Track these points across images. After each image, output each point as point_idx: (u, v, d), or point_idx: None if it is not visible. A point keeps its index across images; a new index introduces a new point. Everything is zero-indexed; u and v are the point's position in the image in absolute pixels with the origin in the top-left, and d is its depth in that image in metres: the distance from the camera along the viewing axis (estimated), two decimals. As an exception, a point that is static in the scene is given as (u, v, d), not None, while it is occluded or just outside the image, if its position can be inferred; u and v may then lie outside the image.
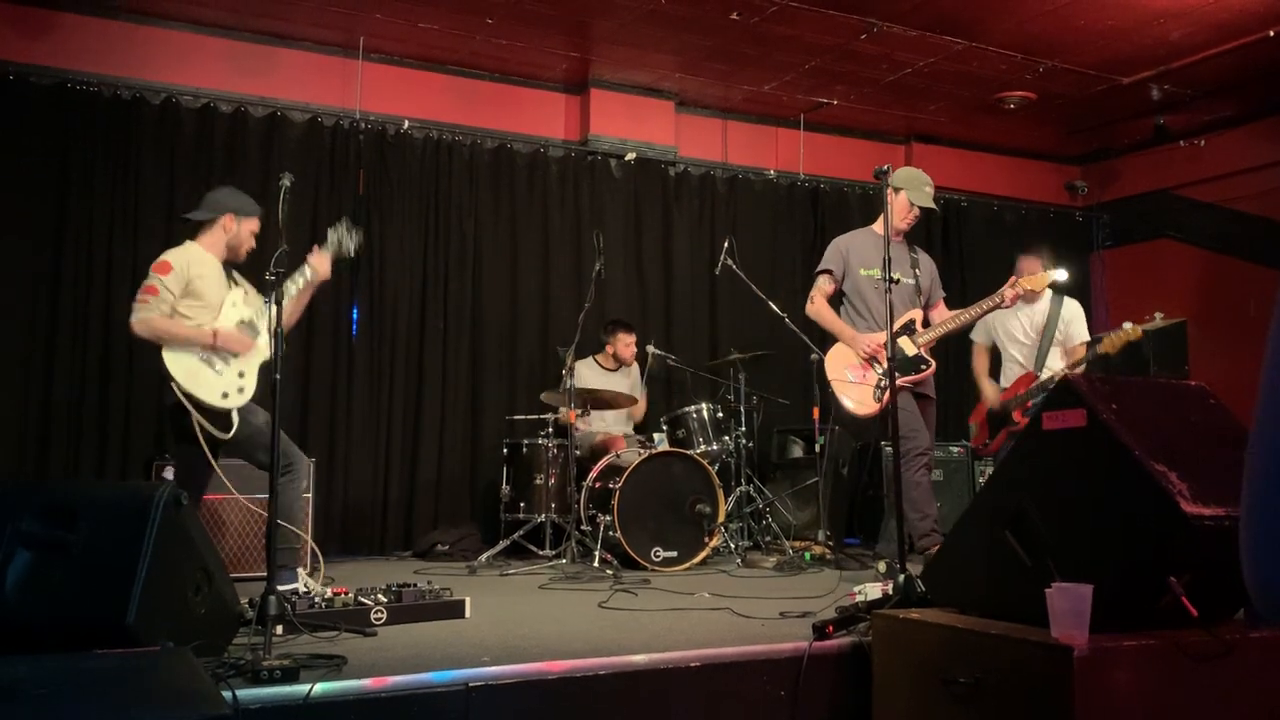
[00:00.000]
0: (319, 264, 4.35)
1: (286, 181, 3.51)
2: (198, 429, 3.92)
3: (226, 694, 2.24)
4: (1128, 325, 5.18)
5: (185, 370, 4.00)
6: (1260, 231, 7.66)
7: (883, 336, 4.55)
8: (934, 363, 4.76)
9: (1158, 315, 6.94)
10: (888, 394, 4.54)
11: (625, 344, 6.50)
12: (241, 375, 4.16)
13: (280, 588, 3.33)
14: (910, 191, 4.78)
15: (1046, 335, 5.54)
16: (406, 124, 6.68)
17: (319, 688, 2.40)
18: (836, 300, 4.99)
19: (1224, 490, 2.27)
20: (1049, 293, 5.60)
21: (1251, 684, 2.38)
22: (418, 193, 6.70)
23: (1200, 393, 2.72)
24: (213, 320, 4.14)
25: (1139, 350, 7.36)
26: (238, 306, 4.25)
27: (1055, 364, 5.47)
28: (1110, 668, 2.23)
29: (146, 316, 4.01)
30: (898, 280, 4.45)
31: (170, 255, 4.19)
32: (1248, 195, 7.70)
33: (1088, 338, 5.52)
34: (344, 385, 6.38)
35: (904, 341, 4.69)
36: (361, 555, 6.15)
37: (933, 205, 4.85)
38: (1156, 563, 2.32)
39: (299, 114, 6.43)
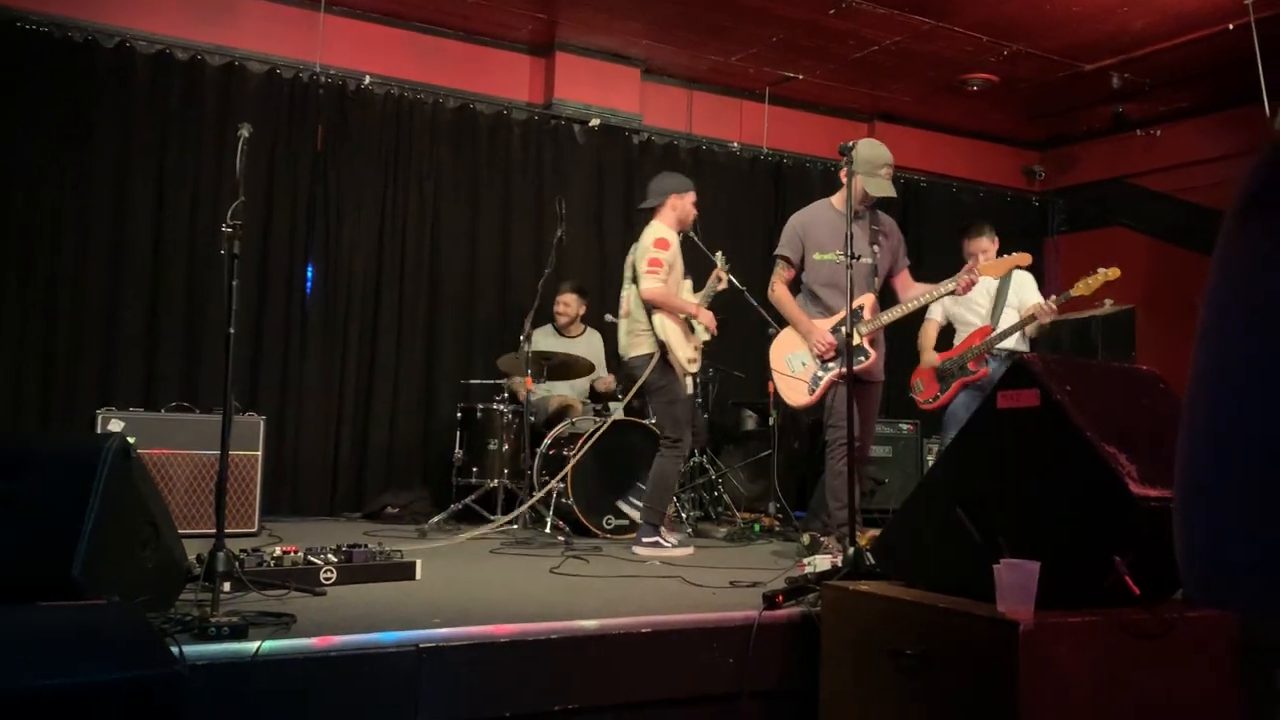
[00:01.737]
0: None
1: (245, 133, 3.43)
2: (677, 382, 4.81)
3: (174, 649, 2.21)
4: (1103, 270, 5.18)
5: (675, 335, 4.80)
6: (1210, 223, 7.78)
7: (831, 337, 4.52)
8: (874, 353, 4.62)
9: (1108, 302, 7.05)
10: (820, 388, 4.55)
11: (563, 304, 6.42)
12: (697, 348, 5.00)
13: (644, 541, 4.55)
14: (866, 180, 4.55)
15: (1000, 298, 5.58)
16: (367, 80, 6.57)
17: (267, 645, 2.38)
18: (796, 283, 4.92)
19: (1171, 473, 2.31)
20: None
21: (1187, 660, 2.45)
22: (377, 151, 6.60)
23: (1151, 378, 2.77)
24: (678, 288, 4.99)
25: (1089, 335, 7.50)
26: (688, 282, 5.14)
27: (1011, 320, 5.47)
28: (1054, 643, 2.28)
29: (656, 286, 4.77)
30: (862, 257, 4.45)
31: (665, 233, 4.94)
32: (1199, 186, 7.82)
33: (1040, 300, 5.52)
34: (297, 343, 6.30)
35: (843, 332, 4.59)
36: (311, 515, 6.09)
37: (891, 193, 4.63)
38: (1102, 542, 2.36)
39: (258, 65, 6.30)
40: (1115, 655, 2.35)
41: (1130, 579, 2.29)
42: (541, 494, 5.13)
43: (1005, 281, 5.57)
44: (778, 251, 4.85)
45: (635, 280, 4.95)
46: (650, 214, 5.10)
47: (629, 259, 5.18)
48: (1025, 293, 5.56)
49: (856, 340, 4.51)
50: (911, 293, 4.78)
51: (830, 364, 4.54)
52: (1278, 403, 0.79)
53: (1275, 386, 0.79)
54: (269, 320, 6.21)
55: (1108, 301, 7.23)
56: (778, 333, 4.91)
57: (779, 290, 4.81)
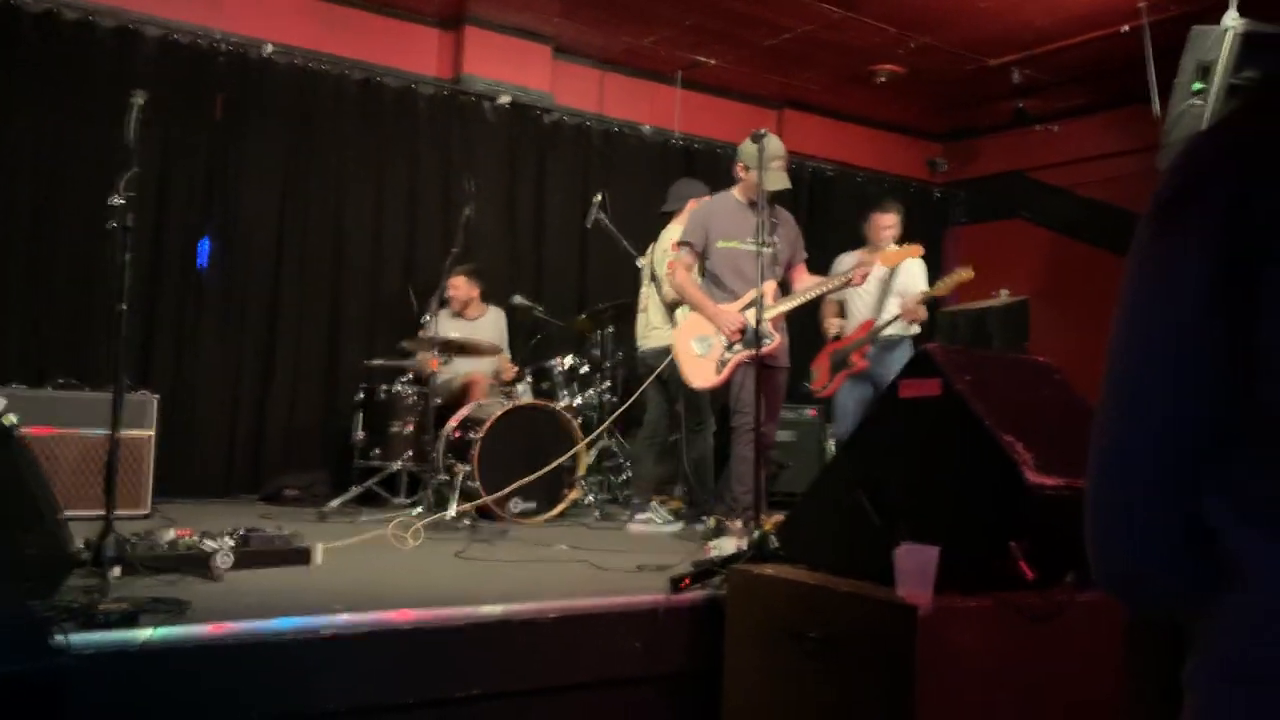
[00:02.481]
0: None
1: (139, 100, 3.30)
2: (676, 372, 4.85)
3: (58, 638, 2.12)
4: (960, 270, 5.39)
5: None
6: (1103, 217, 8.08)
7: (741, 317, 4.59)
8: (778, 337, 4.70)
9: (1003, 292, 7.26)
10: (727, 368, 4.61)
11: (453, 287, 6.28)
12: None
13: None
14: (755, 173, 4.56)
15: (886, 290, 5.73)
16: (270, 49, 6.36)
17: (159, 632, 2.30)
18: (699, 271, 4.98)
19: (1066, 461, 2.39)
20: (892, 246, 5.78)
21: (1077, 642, 2.54)
22: (279, 123, 6.40)
23: (1047, 369, 2.86)
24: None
25: (984, 325, 7.70)
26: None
27: (893, 311, 5.66)
28: (952, 626, 2.34)
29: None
30: (765, 245, 4.50)
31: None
32: (1094, 181, 8.10)
33: (925, 288, 5.71)
34: (191, 319, 6.09)
35: (750, 315, 4.61)
36: (205, 497, 5.91)
37: (786, 185, 4.68)
38: (999, 527, 2.43)
39: (153, 29, 6.04)
40: (1010, 637, 2.43)
41: (1025, 564, 2.36)
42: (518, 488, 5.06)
43: (894, 270, 5.73)
44: (682, 239, 4.93)
45: (654, 279, 5.27)
46: (669, 217, 5.54)
47: (645, 259, 5.43)
48: (910, 282, 5.73)
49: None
50: (807, 283, 4.90)
51: (737, 346, 4.60)
52: (1189, 399, 0.81)
53: (1187, 385, 0.81)
54: (163, 295, 5.99)
55: (1004, 292, 7.44)
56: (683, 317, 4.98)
57: (681, 276, 4.87)
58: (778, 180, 4.60)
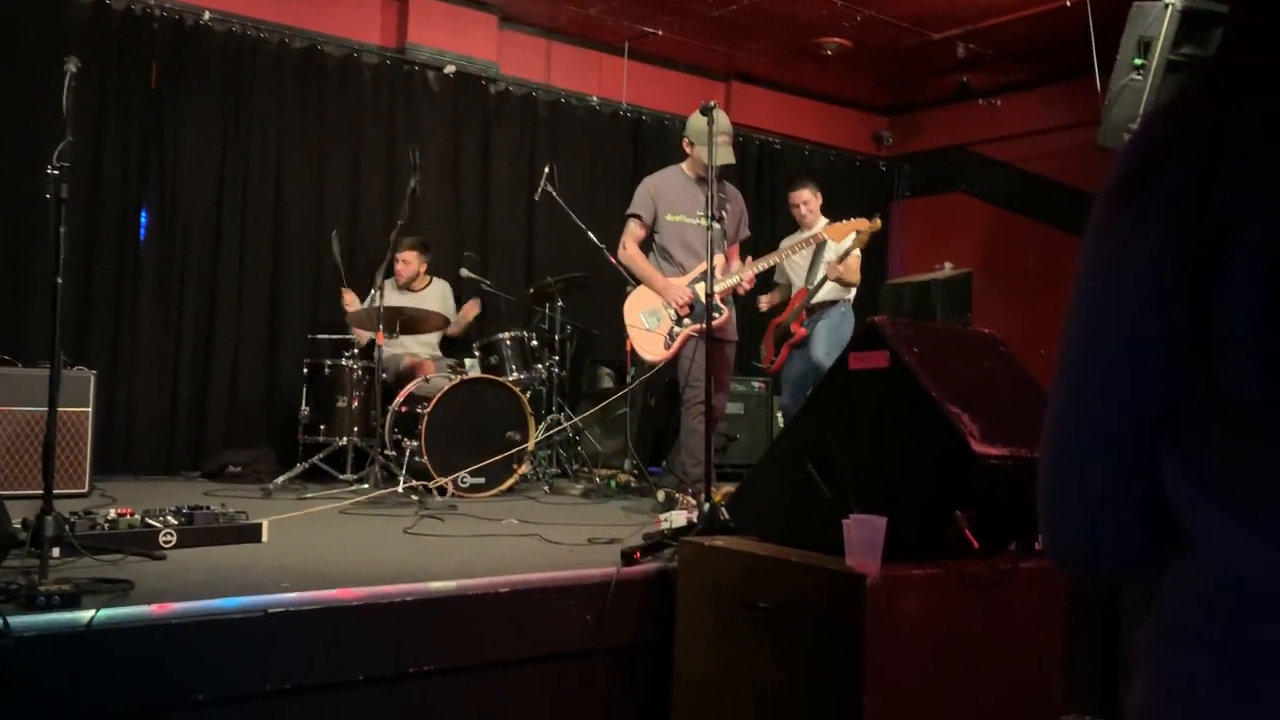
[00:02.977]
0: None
1: (72, 67, 3.19)
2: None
3: (-3, 622, 2.08)
4: (858, 220, 5.37)
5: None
6: (1044, 191, 8.21)
7: (689, 291, 4.62)
8: (727, 311, 4.74)
9: (947, 265, 7.37)
10: (677, 342, 4.65)
11: (402, 261, 6.22)
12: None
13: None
14: (703, 149, 4.50)
15: (817, 255, 5.80)
16: (207, 15, 6.20)
17: (103, 614, 2.26)
18: (647, 244, 5.02)
19: (1010, 431, 2.44)
20: (822, 220, 5.84)
21: (1020, 609, 2.59)
22: (217, 92, 6.25)
23: (992, 340, 2.90)
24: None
25: (928, 298, 7.80)
26: None
27: (826, 285, 5.73)
28: (899, 594, 2.38)
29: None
30: (713, 222, 4.50)
31: None
32: (1036, 155, 8.21)
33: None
34: (130, 293, 5.95)
35: (699, 289, 4.63)
36: (147, 475, 5.80)
37: (731, 160, 4.69)
38: (945, 497, 2.47)
39: (84, -7, 5.86)
40: (955, 605, 2.47)
41: (970, 532, 2.40)
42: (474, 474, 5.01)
43: (822, 242, 5.77)
44: (631, 211, 4.97)
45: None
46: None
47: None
48: (834, 248, 5.78)
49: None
50: (734, 264, 4.96)
51: (686, 319, 4.63)
52: (1145, 376, 0.82)
53: (1143, 363, 0.82)
54: (100, 268, 5.84)
55: (948, 265, 7.55)
56: (632, 290, 4.98)
57: (631, 249, 4.91)
58: (723, 156, 4.55)
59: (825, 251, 5.72)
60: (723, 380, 4.85)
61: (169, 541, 3.21)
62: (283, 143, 6.47)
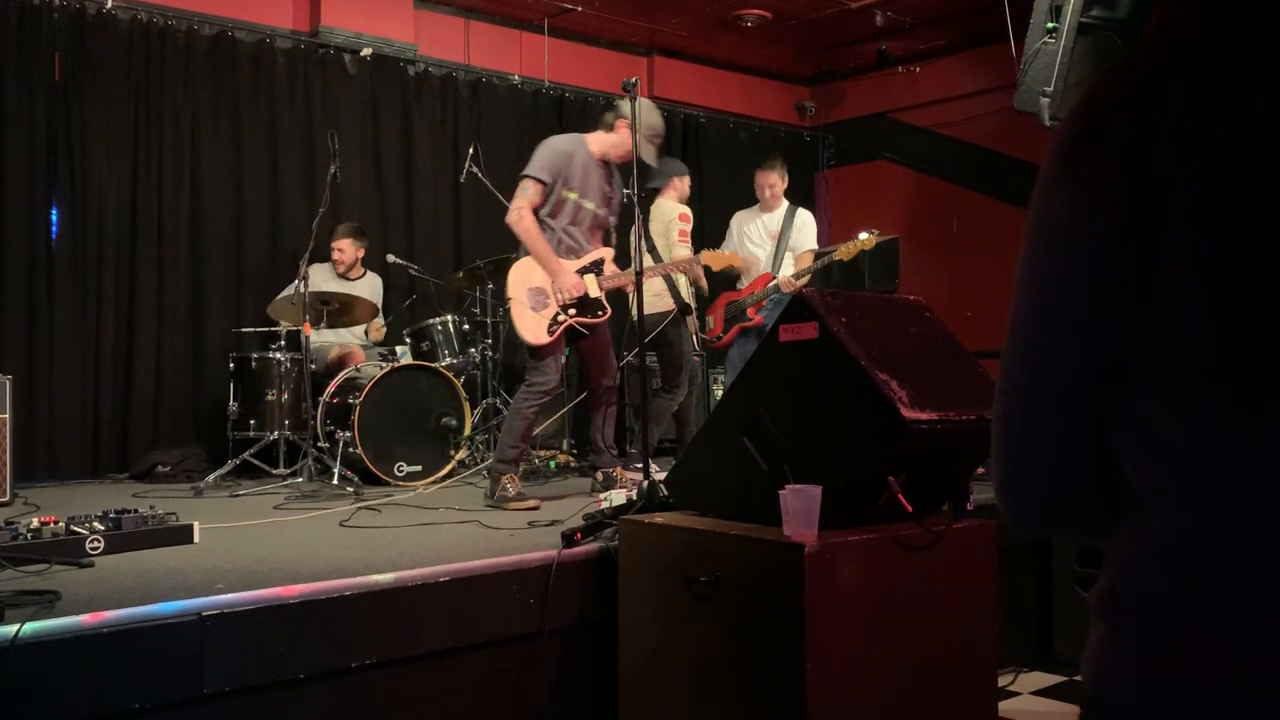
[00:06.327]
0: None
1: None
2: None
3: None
4: (863, 235, 5.55)
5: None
6: (963, 155, 8.34)
7: (580, 283, 4.39)
8: (609, 310, 4.53)
9: (875, 232, 7.44)
10: (558, 331, 4.38)
11: (339, 249, 6.13)
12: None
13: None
14: (639, 141, 4.22)
15: (781, 242, 5.83)
16: (110, 4, 6.00)
17: (29, 627, 2.19)
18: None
19: (939, 396, 2.47)
20: (785, 202, 5.88)
21: (955, 568, 2.65)
22: (125, 82, 6.06)
23: (918, 307, 2.94)
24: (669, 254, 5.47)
25: (857, 264, 7.89)
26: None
27: (788, 269, 5.76)
28: (836, 561, 2.41)
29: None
30: (610, 212, 4.46)
31: (682, 208, 5.66)
32: (955, 121, 8.33)
33: (814, 246, 5.83)
34: (44, 293, 5.76)
35: (589, 280, 4.44)
36: (71, 479, 5.66)
37: (652, 162, 4.56)
38: (878, 464, 2.50)
39: (-24, -16, 5.63)
40: (891, 568, 2.52)
41: (903, 497, 2.44)
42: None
43: (787, 225, 5.82)
44: (532, 173, 4.40)
45: (653, 251, 5.39)
46: (655, 193, 5.77)
47: (635, 230, 5.07)
48: (801, 237, 5.83)
49: (596, 293, 4.45)
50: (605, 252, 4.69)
51: (572, 310, 4.39)
52: (1095, 340, 0.83)
53: (1092, 326, 0.83)
54: (10, 269, 5.65)
55: (875, 231, 7.63)
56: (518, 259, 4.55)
57: (528, 218, 4.36)
58: (648, 154, 4.39)
59: (789, 240, 5.75)
60: (606, 359, 4.60)
61: (96, 548, 3.12)
62: (197, 133, 6.30)
